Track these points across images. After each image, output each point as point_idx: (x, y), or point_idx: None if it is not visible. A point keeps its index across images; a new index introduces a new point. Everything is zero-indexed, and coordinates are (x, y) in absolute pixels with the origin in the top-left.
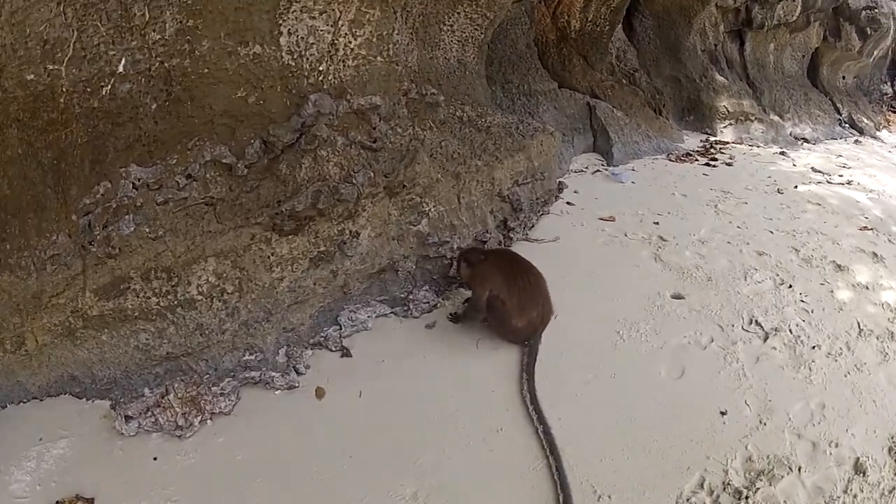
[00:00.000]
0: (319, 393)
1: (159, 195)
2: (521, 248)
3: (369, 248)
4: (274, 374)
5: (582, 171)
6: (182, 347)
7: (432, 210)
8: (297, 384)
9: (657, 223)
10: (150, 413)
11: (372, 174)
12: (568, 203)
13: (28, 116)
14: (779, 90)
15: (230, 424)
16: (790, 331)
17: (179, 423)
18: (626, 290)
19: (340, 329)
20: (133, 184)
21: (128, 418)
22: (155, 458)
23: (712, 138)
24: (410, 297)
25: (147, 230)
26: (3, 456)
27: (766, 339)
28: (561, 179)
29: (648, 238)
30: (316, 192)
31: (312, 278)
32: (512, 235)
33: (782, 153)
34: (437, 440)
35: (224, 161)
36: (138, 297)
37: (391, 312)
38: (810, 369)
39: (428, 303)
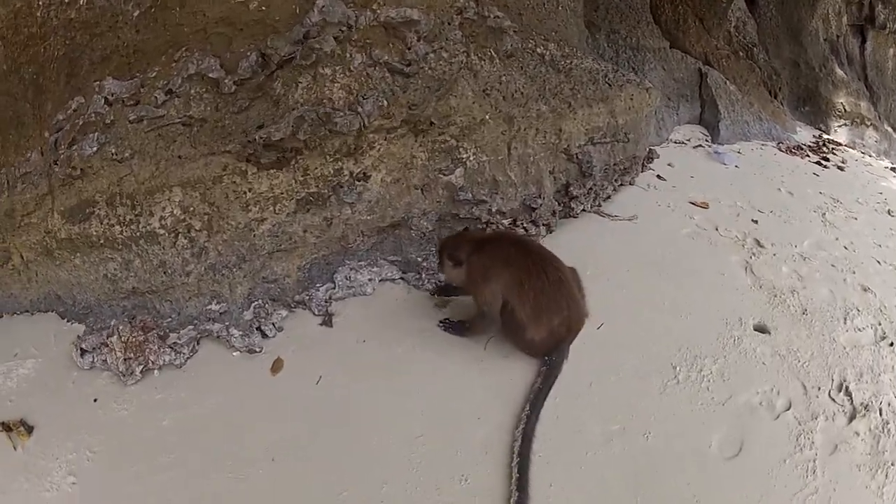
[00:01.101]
0: (276, 366)
1: (133, 112)
2: (587, 222)
3: (381, 196)
4: (235, 331)
5: (683, 142)
6: (147, 284)
7: (471, 158)
8: (257, 349)
9: (756, 222)
10: (100, 350)
11: (385, 102)
12: (658, 177)
13: (11, 33)
14: (895, 100)
15: (175, 381)
16: (880, 412)
17: (121, 369)
18: (702, 305)
19: (334, 288)
20: (106, 98)
21: (83, 351)
22: (95, 400)
23: (825, 136)
24: (426, 263)
25: (113, 151)
26: None
27: (851, 418)
28: (654, 147)
29: (743, 239)
30: (299, 119)
31: (301, 224)
32: (574, 205)
33: (894, 169)
34: (380, 469)
35: (211, 76)
36: (102, 223)
37: (401, 278)
38: (886, 475)
39: None
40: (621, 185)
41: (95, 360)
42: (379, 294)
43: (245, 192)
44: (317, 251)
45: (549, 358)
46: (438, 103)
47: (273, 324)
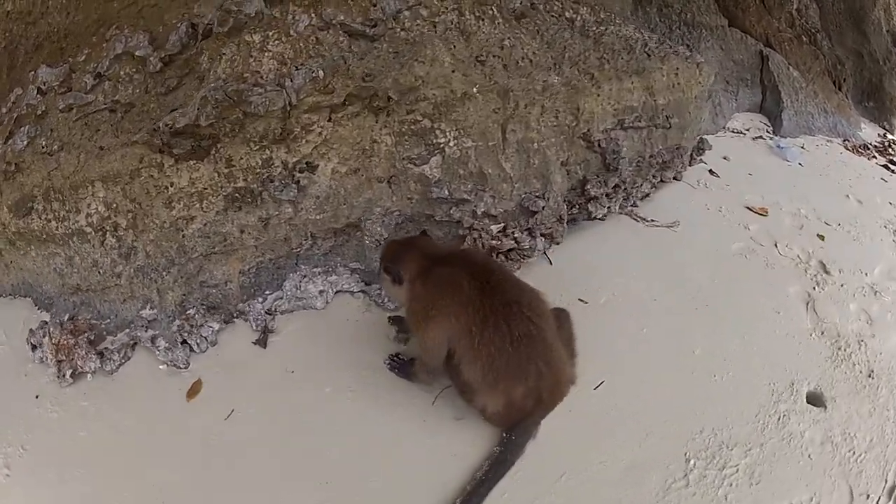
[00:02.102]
0: (194, 390)
1: (62, 100)
2: (614, 228)
3: (332, 191)
4: (162, 342)
5: (741, 132)
6: (87, 282)
7: (452, 144)
8: (181, 365)
9: (822, 238)
10: (41, 348)
11: (321, 73)
12: (711, 172)
13: None
14: None
15: (102, 389)
16: None
17: (54, 371)
18: (745, 358)
19: (282, 299)
20: (39, 88)
21: (33, 346)
22: (37, 397)
23: (889, 136)
24: None
25: (43, 143)
26: None
27: None
28: (706, 136)
29: (806, 261)
30: (203, 100)
31: (235, 224)
32: (592, 208)
33: None
34: None
35: (138, 54)
36: (41, 218)
37: (361, 291)
38: None
39: None
40: (662, 181)
41: (42, 356)
42: (331, 310)
43: (166, 188)
44: (260, 254)
45: (509, 435)
46: (400, 72)
47: (204, 337)
